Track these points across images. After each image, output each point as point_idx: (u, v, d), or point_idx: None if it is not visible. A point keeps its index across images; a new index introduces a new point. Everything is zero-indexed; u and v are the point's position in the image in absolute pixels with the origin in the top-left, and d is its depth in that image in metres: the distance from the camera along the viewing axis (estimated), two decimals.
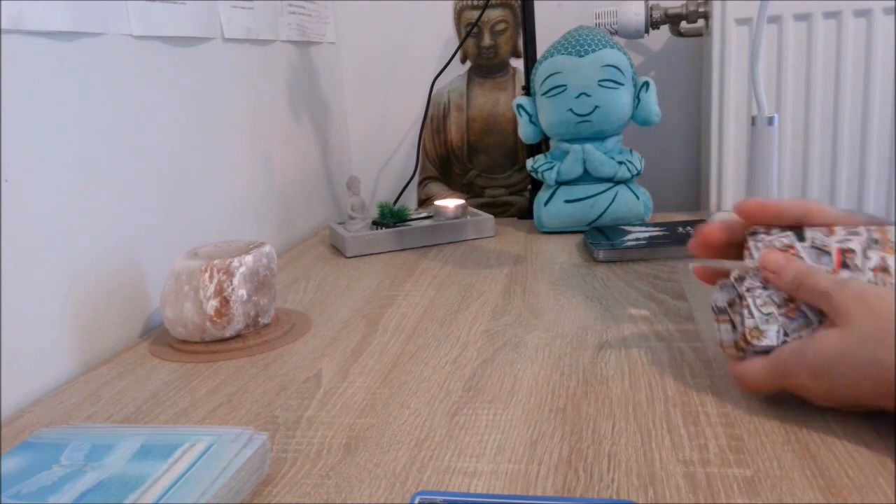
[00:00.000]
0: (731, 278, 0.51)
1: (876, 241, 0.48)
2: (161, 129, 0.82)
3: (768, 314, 0.49)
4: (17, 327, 0.62)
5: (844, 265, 0.48)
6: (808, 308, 0.48)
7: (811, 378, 0.46)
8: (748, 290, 0.50)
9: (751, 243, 0.51)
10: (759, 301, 0.49)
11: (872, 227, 0.49)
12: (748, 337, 0.49)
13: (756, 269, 0.50)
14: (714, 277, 0.54)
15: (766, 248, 0.50)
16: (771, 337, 0.48)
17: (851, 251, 0.48)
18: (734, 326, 0.51)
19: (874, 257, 0.48)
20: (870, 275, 0.47)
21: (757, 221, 0.52)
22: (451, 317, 0.73)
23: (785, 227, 0.50)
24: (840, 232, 0.49)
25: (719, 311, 0.52)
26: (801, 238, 0.50)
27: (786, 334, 0.48)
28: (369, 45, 1.36)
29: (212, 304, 0.67)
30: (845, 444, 0.45)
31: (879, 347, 0.42)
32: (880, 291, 0.44)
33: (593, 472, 0.44)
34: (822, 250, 0.49)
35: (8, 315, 0.61)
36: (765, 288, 0.49)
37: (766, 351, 0.49)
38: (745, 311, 0.49)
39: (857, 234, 0.49)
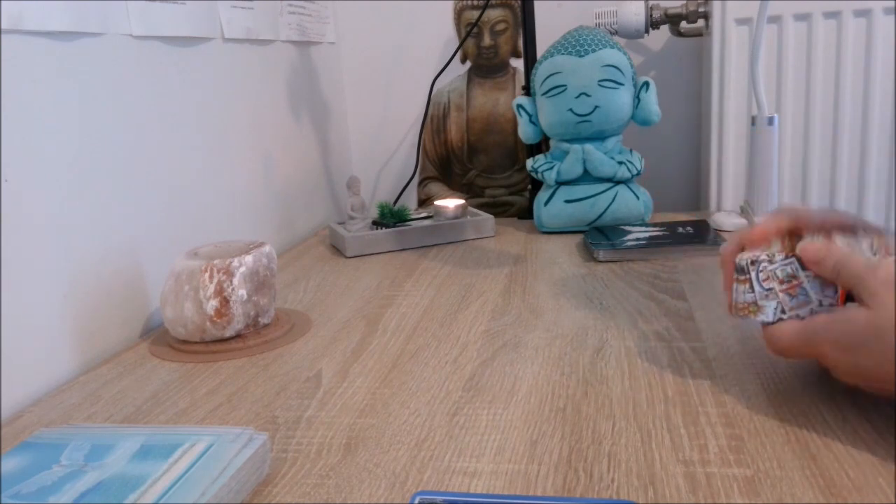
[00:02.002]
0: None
1: (874, 252, 0.49)
2: (161, 128, 0.82)
3: (769, 290, 0.49)
4: (17, 327, 0.62)
5: (849, 297, 0.48)
6: (810, 287, 0.49)
7: (837, 352, 0.46)
8: (752, 262, 0.50)
9: (752, 274, 0.51)
10: (762, 276, 0.50)
11: (871, 237, 0.49)
12: (747, 311, 0.50)
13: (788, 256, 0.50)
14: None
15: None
16: (767, 313, 0.49)
17: None
18: (752, 287, 0.51)
19: None
20: None
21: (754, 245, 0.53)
22: (451, 317, 0.73)
23: (787, 255, 0.50)
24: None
25: (740, 270, 0.51)
26: (803, 266, 0.50)
27: (783, 311, 0.49)
28: (369, 45, 1.36)
29: (212, 304, 0.67)
30: (845, 444, 0.45)
31: None
32: None
33: (593, 472, 0.44)
34: (825, 282, 0.49)
35: (8, 315, 0.61)
36: (770, 262, 0.50)
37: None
38: (746, 286, 0.50)
39: (855, 246, 0.49)
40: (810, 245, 0.50)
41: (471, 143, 1.35)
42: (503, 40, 1.31)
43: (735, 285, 0.52)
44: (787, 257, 0.50)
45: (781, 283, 0.49)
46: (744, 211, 1.01)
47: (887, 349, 0.43)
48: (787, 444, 0.45)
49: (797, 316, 0.49)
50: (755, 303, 0.50)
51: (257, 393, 0.59)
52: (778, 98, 1.07)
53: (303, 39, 1.20)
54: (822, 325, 0.47)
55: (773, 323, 0.50)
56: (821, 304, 0.49)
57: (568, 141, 1.04)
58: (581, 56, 1.01)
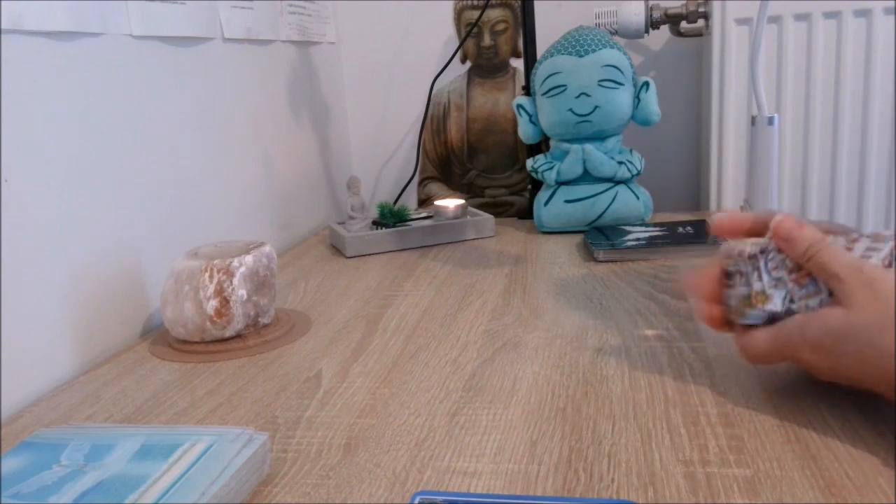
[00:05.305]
0: (745, 251, 0.50)
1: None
2: (161, 129, 0.82)
3: (778, 278, 0.48)
4: (17, 327, 0.62)
5: None
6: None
7: (813, 353, 0.45)
8: (762, 251, 0.49)
9: (761, 262, 0.49)
10: (770, 264, 0.48)
11: (891, 241, 0.47)
12: (753, 300, 0.49)
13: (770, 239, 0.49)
14: (733, 233, 0.53)
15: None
16: (776, 302, 0.48)
17: None
18: (760, 276, 0.49)
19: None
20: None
21: (730, 234, 0.52)
22: (451, 317, 0.73)
23: None
24: (860, 246, 0.47)
25: (727, 276, 0.51)
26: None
27: (791, 301, 0.47)
28: (369, 45, 1.36)
29: (212, 304, 0.67)
30: (845, 444, 0.45)
31: (883, 334, 0.42)
32: (887, 279, 0.43)
33: (593, 472, 0.44)
34: None
35: (8, 315, 0.61)
36: (779, 251, 0.49)
37: (770, 319, 0.48)
38: (755, 274, 0.49)
39: (877, 249, 0.47)
40: (784, 220, 0.48)
41: (471, 143, 1.35)
42: (503, 40, 1.31)
43: (728, 290, 0.51)
44: None
45: (790, 272, 0.48)
46: (744, 211, 1.01)
47: (865, 348, 0.43)
48: (787, 444, 0.45)
49: (806, 306, 0.47)
50: (763, 291, 0.48)
51: (257, 393, 0.59)
52: (778, 98, 1.07)
53: (303, 39, 1.20)
54: (796, 327, 0.46)
55: (781, 313, 0.48)
56: (830, 295, 0.46)
57: (568, 141, 1.04)
58: (581, 56, 1.01)
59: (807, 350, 0.46)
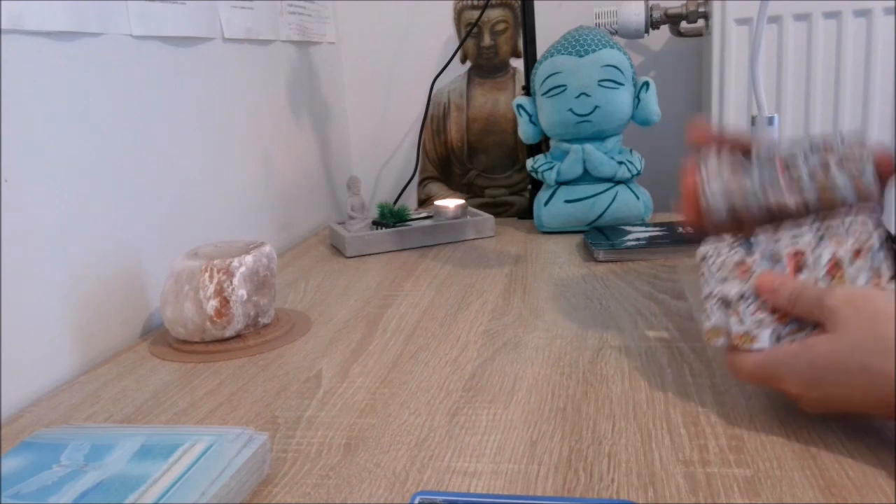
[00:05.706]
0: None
1: (822, 237, 0.48)
2: (161, 129, 0.82)
3: (760, 320, 0.48)
4: (17, 327, 0.62)
5: (798, 269, 0.48)
6: None
7: (802, 387, 0.45)
8: (741, 297, 0.49)
9: (741, 308, 0.49)
10: (750, 309, 0.48)
11: (816, 223, 0.48)
12: (737, 343, 0.48)
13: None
14: (708, 140, 0.53)
15: (759, 273, 0.49)
16: (763, 340, 0.47)
17: (801, 252, 0.48)
18: (742, 320, 0.49)
19: (825, 254, 0.48)
20: (823, 272, 0.47)
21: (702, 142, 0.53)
22: (451, 317, 0.73)
23: (733, 241, 0.50)
24: (786, 234, 0.49)
25: (703, 298, 0.51)
26: (749, 251, 0.49)
27: (778, 338, 0.47)
28: (369, 45, 1.36)
29: (212, 304, 0.67)
30: (845, 444, 0.45)
31: (871, 356, 0.41)
32: (869, 294, 0.44)
33: (593, 472, 0.44)
34: (773, 260, 0.48)
35: (8, 315, 0.61)
36: (758, 295, 0.48)
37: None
38: (735, 318, 0.48)
39: (800, 229, 0.48)
40: (765, 275, 0.48)
41: (471, 143, 1.35)
42: (503, 40, 1.31)
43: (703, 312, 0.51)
44: None
45: (773, 312, 0.48)
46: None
47: (853, 376, 0.42)
48: (787, 444, 0.45)
49: (794, 340, 0.46)
50: (747, 333, 0.48)
51: (257, 393, 0.59)
52: (778, 98, 1.07)
53: (303, 39, 1.20)
54: (783, 361, 0.45)
55: (771, 348, 0.47)
56: (815, 327, 0.46)
57: (568, 141, 1.04)
58: (581, 56, 1.00)
59: (795, 384, 0.45)
